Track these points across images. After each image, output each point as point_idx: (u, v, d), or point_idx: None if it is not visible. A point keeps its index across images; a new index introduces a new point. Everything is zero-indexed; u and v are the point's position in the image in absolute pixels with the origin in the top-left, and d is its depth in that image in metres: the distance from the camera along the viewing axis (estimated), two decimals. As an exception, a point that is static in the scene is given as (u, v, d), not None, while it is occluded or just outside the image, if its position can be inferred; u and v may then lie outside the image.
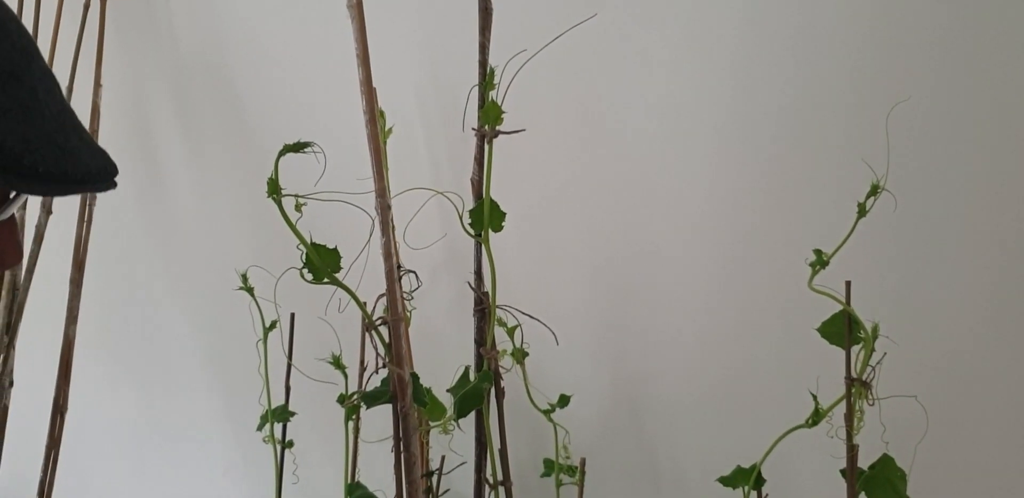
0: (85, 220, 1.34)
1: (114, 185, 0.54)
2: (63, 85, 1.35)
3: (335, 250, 0.84)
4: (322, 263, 0.83)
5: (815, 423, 0.91)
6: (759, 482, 0.96)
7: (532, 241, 1.20)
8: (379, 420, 1.19)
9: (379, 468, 1.17)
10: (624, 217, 1.16)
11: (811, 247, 0.89)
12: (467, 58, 0.97)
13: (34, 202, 1.34)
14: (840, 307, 0.88)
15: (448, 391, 0.99)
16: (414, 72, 1.24)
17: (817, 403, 0.90)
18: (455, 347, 1.13)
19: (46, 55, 1.38)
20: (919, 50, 0.99)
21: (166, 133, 1.47)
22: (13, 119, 0.49)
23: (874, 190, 0.88)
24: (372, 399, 0.88)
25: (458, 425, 0.98)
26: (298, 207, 0.81)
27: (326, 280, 0.84)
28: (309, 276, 0.83)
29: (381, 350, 0.88)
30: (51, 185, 0.51)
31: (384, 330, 0.91)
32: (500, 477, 1.03)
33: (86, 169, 0.52)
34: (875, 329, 0.87)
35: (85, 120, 1.33)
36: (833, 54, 1.02)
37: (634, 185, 1.15)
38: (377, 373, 0.94)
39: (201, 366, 1.52)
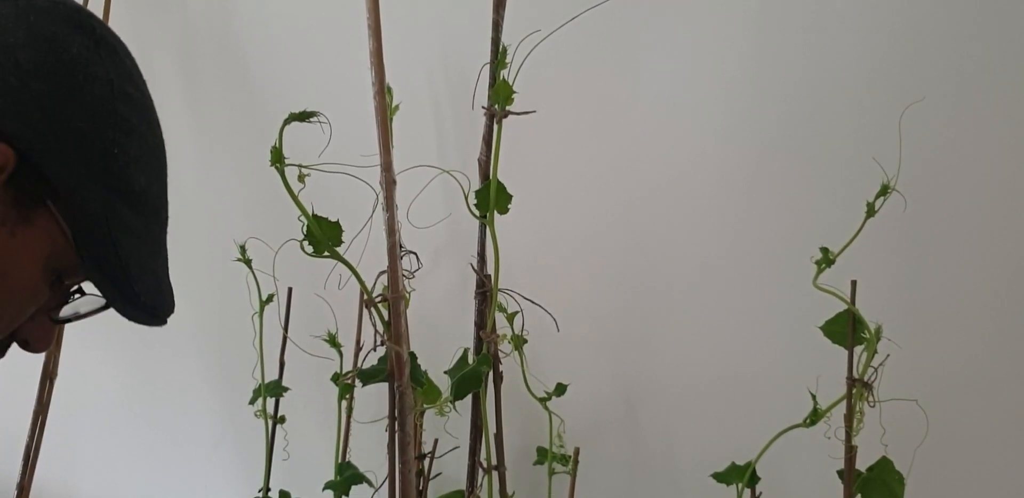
0: (85, 185, 1.33)
1: (164, 324, 0.60)
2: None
3: (337, 223, 0.82)
4: (323, 236, 0.81)
5: (813, 423, 0.90)
6: (753, 480, 0.95)
7: (536, 226, 1.18)
8: (373, 400, 1.18)
9: (371, 449, 1.16)
10: (630, 207, 1.14)
11: (818, 245, 0.88)
12: (479, 35, 0.95)
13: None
14: (844, 306, 0.87)
15: (446, 373, 0.97)
16: (425, 47, 1.22)
17: (816, 403, 0.89)
18: (453, 330, 1.12)
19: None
20: (935, 51, 0.97)
21: (169, 100, 1.45)
22: (143, 250, 0.56)
23: (884, 190, 0.87)
24: (368, 377, 0.87)
25: (454, 407, 0.97)
26: (301, 178, 0.79)
27: (326, 253, 0.82)
28: (309, 249, 0.82)
29: (380, 327, 0.86)
30: (140, 314, 0.57)
31: (383, 308, 0.90)
32: (494, 462, 1.02)
33: (166, 308, 0.59)
34: (878, 330, 0.86)
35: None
36: (849, 53, 1.01)
37: (642, 175, 1.13)
38: (375, 351, 0.93)
39: (195, 338, 1.50)
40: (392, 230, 0.83)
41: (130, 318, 0.57)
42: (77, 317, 0.58)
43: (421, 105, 1.22)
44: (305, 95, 1.30)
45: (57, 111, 0.50)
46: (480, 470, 1.03)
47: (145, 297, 0.56)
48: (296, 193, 0.80)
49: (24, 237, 0.51)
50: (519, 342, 1.03)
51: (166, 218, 0.59)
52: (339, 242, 0.83)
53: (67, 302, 0.58)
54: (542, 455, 1.11)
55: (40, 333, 0.57)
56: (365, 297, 0.86)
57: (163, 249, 0.59)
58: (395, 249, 0.84)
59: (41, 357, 1.34)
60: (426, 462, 1.12)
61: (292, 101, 0.83)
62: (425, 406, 0.98)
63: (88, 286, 0.58)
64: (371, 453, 1.15)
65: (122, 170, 0.53)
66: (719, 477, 0.96)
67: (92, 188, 0.52)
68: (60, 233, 0.52)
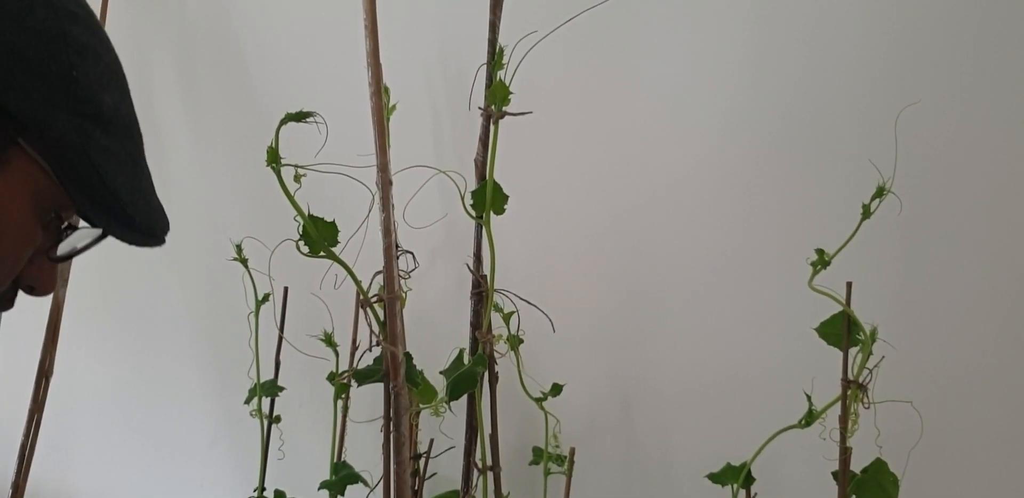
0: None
1: (163, 242, 0.59)
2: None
3: (333, 223, 0.82)
4: (319, 236, 0.81)
5: (808, 424, 0.91)
6: (748, 480, 0.95)
7: (532, 226, 1.18)
8: (368, 400, 1.18)
9: (366, 449, 1.16)
10: (626, 208, 1.14)
11: (813, 246, 0.88)
12: (476, 36, 0.95)
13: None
14: (840, 308, 0.87)
15: (441, 373, 0.97)
16: (421, 47, 1.22)
17: (811, 404, 0.89)
18: (449, 331, 1.12)
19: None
20: (931, 53, 0.98)
21: (166, 101, 1.45)
22: (126, 171, 0.54)
23: (880, 192, 0.87)
24: (364, 376, 0.87)
25: (449, 408, 0.97)
26: (297, 178, 0.79)
27: (322, 253, 0.82)
28: (305, 249, 0.82)
29: (376, 327, 0.86)
30: (138, 235, 0.56)
31: (379, 309, 0.90)
32: (489, 462, 1.02)
33: (163, 226, 0.58)
34: (873, 332, 0.86)
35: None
36: (845, 55, 1.01)
37: (638, 176, 1.13)
38: (371, 351, 0.93)
39: (190, 337, 1.50)
40: (388, 230, 0.83)
41: (130, 241, 0.56)
42: (75, 252, 0.57)
43: (418, 105, 1.22)
44: (302, 95, 1.30)
45: (5, 44, 0.47)
46: (475, 470, 1.03)
47: (140, 218, 0.55)
48: (292, 193, 0.80)
49: (4, 179, 0.49)
50: (515, 342, 1.03)
51: (140, 134, 0.57)
52: (335, 242, 0.83)
53: (61, 240, 0.56)
54: (538, 455, 1.11)
55: (43, 275, 0.56)
56: (361, 297, 0.85)
57: (144, 167, 0.57)
58: (391, 249, 0.84)
59: (37, 355, 1.34)
60: (421, 462, 1.12)
61: (289, 101, 0.83)
62: (421, 406, 0.98)
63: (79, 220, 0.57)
64: (367, 453, 1.15)
65: (86, 93, 0.51)
66: (714, 478, 0.96)
67: (61, 117, 0.50)
68: (39, 170, 0.51)
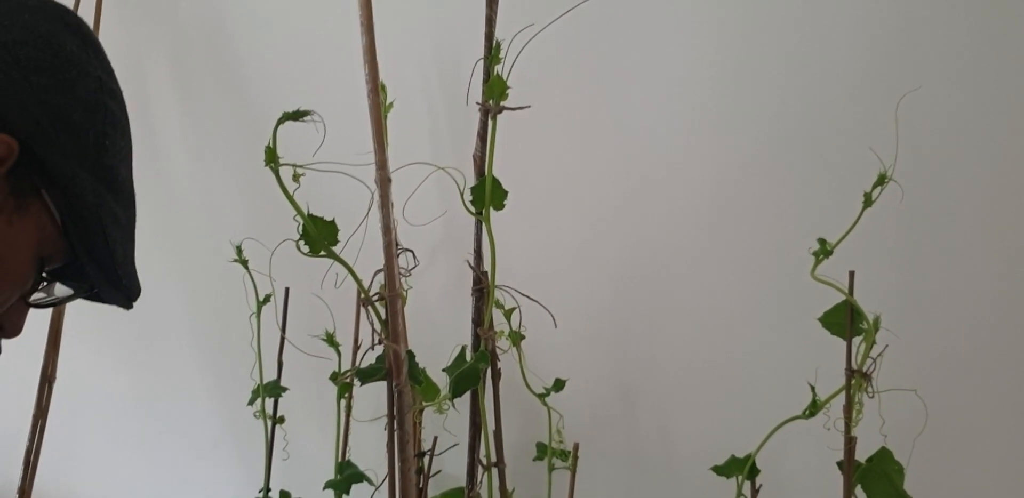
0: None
1: (131, 307, 0.63)
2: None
3: (332, 222, 0.82)
4: (319, 235, 0.81)
5: (812, 414, 0.90)
6: (753, 472, 0.95)
7: (531, 222, 1.18)
8: (372, 399, 1.18)
9: (370, 448, 1.15)
10: (626, 201, 1.14)
11: (815, 236, 0.87)
12: (472, 31, 0.95)
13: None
14: (842, 298, 0.87)
15: (444, 370, 0.97)
16: (417, 43, 1.21)
17: (815, 394, 0.89)
18: (450, 328, 1.12)
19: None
20: (931, 39, 0.97)
21: (162, 102, 1.45)
22: (124, 236, 0.59)
23: (881, 180, 0.87)
24: (367, 375, 0.87)
25: (453, 405, 0.97)
26: (296, 177, 0.79)
27: (322, 253, 0.82)
28: (305, 248, 0.81)
29: (377, 326, 0.86)
30: (118, 297, 0.60)
31: (380, 307, 0.89)
32: (494, 458, 1.02)
33: (137, 291, 0.61)
34: (876, 321, 0.86)
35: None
36: (844, 42, 1.01)
37: (637, 169, 1.13)
38: (373, 349, 0.92)
39: (192, 338, 1.50)
40: (388, 228, 0.83)
41: (108, 301, 0.61)
42: (57, 301, 0.61)
43: (413, 102, 1.22)
44: (296, 94, 1.30)
45: (56, 105, 0.52)
46: (480, 467, 1.03)
47: (125, 280, 0.59)
48: (292, 193, 0.79)
49: (20, 225, 0.53)
50: (516, 338, 1.02)
51: (135, 208, 0.62)
52: (335, 241, 0.82)
53: (38, 288, 0.60)
54: (542, 451, 1.11)
55: (16, 318, 0.59)
56: (362, 296, 0.85)
57: (134, 236, 0.62)
58: (391, 247, 0.84)
59: (40, 360, 1.34)
60: (426, 460, 1.12)
61: (284, 100, 0.82)
62: (424, 404, 0.98)
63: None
64: (371, 452, 1.15)
65: (111, 161, 0.56)
66: (719, 470, 0.96)
67: (85, 178, 0.54)
68: (50, 221, 0.54)
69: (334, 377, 1.12)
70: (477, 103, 0.92)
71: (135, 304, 0.62)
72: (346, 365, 1.11)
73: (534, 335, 1.06)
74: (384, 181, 0.83)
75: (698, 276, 1.12)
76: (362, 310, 1.07)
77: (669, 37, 1.08)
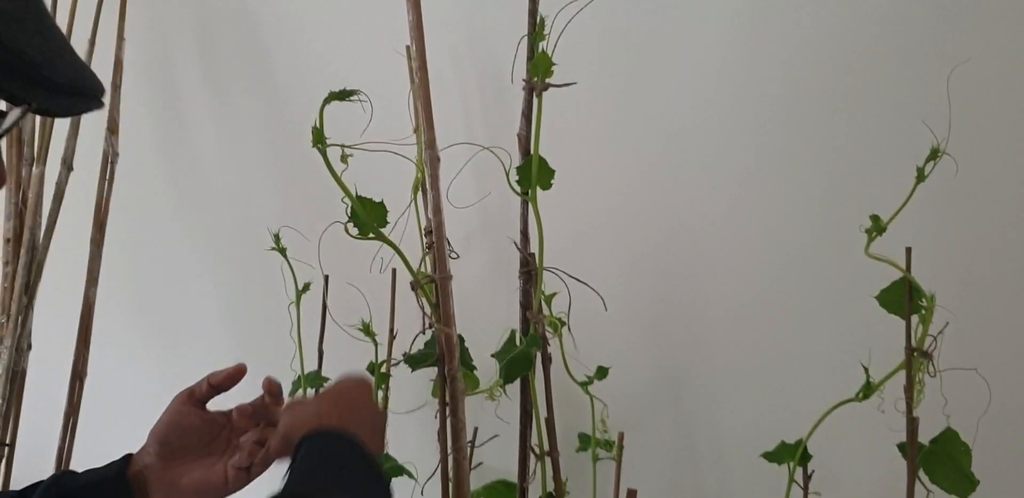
0: (106, 178, 1.30)
1: (102, 104, 0.53)
2: (85, 38, 1.30)
3: (381, 203, 0.80)
4: (368, 217, 0.78)
5: (867, 396, 0.88)
6: (805, 457, 0.93)
7: (572, 203, 1.15)
8: (407, 391, 1.16)
9: (408, 440, 1.13)
10: (673, 181, 1.11)
11: (867, 213, 0.85)
12: (509, 7, 0.93)
13: (54, 157, 1.30)
14: (893, 277, 0.84)
15: (493, 356, 0.95)
16: (453, 21, 1.19)
17: (868, 375, 0.86)
18: (488, 313, 1.09)
19: (67, 8, 1.33)
20: (982, 9, 0.94)
21: (190, 88, 1.43)
22: (28, 30, 0.48)
23: (934, 154, 0.85)
24: (417, 361, 0.85)
25: (504, 391, 0.94)
26: (344, 158, 0.77)
27: (371, 235, 0.80)
28: (354, 231, 0.79)
29: (428, 309, 0.84)
30: (66, 99, 0.50)
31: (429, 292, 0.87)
32: (547, 447, 0.99)
33: (93, 85, 0.51)
34: (932, 298, 0.84)
35: (108, 74, 1.29)
36: (894, 12, 0.98)
37: (685, 147, 1.10)
38: (424, 334, 0.90)
39: (227, 330, 1.48)
40: (438, 208, 0.80)
41: (64, 110, 0.52)
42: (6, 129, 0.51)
43: (448, 83, 1.19)
44: (327, 79, 1.28)
45: None
46: (532, 456, 1.00)
47: (60, 79, 0.49)
48: (340, 174, 0.77)
49: None
50: (557, 325, 1.00)
51: None
52: (384, 223, 0.81)
53: None
54: (584, 441, 1.08)
55: None
56: (412, 279, 0.83)
57: (52, 25, 0.51)
58: (441, 227, 0.82)
59: (70, 356, 1.32)
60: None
61: (314, 86, 0.80)
62: (475, 391, 0.96)
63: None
64: (409, 444, 1.13)
65: None
66: (769, 456, 0.94)
67: None
68: None
69: (371, 367, 1.10)
70: (523, 80, 0.90)
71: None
72: (383, 355, 1.09)
73: (576, 320, 1.03)
74: (433, 160, 0.81)
75: (746, 257, 1.09)
76: (402, 296, 1.04)
77: (711, 9, 1.06)
